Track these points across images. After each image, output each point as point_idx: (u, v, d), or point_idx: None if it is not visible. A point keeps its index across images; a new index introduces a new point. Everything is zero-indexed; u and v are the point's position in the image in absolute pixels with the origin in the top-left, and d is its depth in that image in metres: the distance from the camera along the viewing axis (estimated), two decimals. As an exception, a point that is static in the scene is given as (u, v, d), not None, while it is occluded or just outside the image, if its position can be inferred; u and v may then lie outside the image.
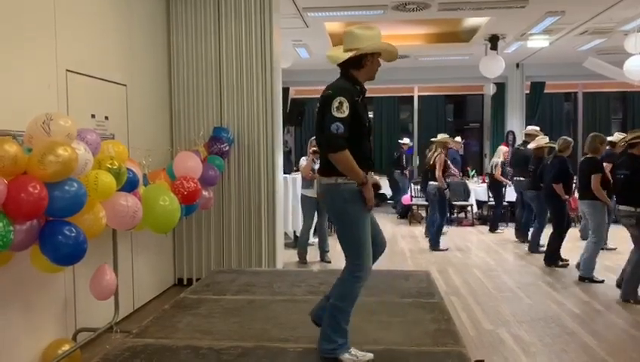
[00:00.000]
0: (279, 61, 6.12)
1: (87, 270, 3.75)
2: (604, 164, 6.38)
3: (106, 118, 4.49)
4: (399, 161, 11.81)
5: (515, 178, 8.82)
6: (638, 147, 5.30)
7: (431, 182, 7.99)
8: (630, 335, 4.40)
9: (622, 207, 5.31)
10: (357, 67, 2.95)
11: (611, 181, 5.93)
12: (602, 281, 5.93)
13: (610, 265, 6.55)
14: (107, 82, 4.54)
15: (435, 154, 7.96)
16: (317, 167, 6.93)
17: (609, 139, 7.34)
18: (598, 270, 6.10)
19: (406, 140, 12.09)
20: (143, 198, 3.86)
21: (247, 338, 3.31)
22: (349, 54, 2.90)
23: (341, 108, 2.78)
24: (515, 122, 12.29)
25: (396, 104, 14.07)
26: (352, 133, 2.84)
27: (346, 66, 2.96)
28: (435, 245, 7.93)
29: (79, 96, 4.06)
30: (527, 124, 12.40)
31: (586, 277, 6.01)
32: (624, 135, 7.31)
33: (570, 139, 7.03)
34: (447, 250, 7.89)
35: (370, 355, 2.96)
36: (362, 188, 2.88)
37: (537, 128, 8.92)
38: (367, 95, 3.04)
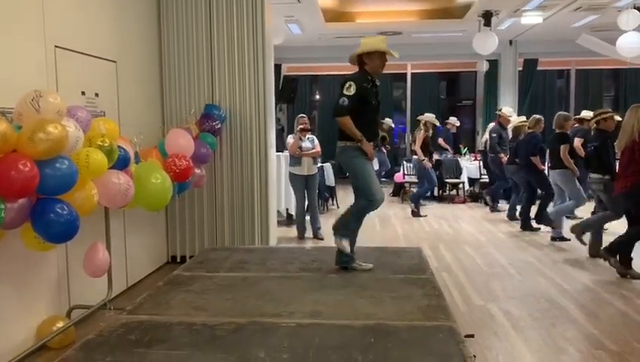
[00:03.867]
0: (271, 38, 6.06)
1: (80, 248, 3.76)
2: (576, 139, 7.32)
3: (97, 95, 4.45)
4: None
5: (490, 155, 9.23)
6: (603, 123, 5.97)
7: (414, 156, 8.97)
8: (619, 310, 4.48)
9: (592, 175, 5.92)
10: (363, 64, 4.14)
11: (582, 154, 6.97)
12: (569, 240, 6.64)
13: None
14: (97, 58, 4.49)
15: (417, 131, 8.98)
16: (304, 144, 7.10)
17: (580, 116, 8.32)
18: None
19: (387, 120, 12.16)
20: (134, 176, 3.85)
21: (240, 314, 3.33)
22: (358, 53, 4.13)
23: (349, 89, 3.96)
24: (508, 99, 12.28)
25: (389, 81, 14.02)
26: (358, 108, 3.98)
27: (359, 64, 4.16)
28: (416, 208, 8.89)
29: (69, 73, 4.02)
30: (520, 101, 12.47)
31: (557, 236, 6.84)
32: (590, 113, 7.93)
33: (538, 116, 7.66)
34: (425, 216, 8.80)
35: (370, 265, 4.25)
36: (361, 145, 4.02)
37: (511, 109, 9.53)
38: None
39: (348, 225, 4.21)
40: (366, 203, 4.13)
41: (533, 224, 7.54)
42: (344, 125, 4.00)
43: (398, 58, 4.23)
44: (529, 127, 7.58)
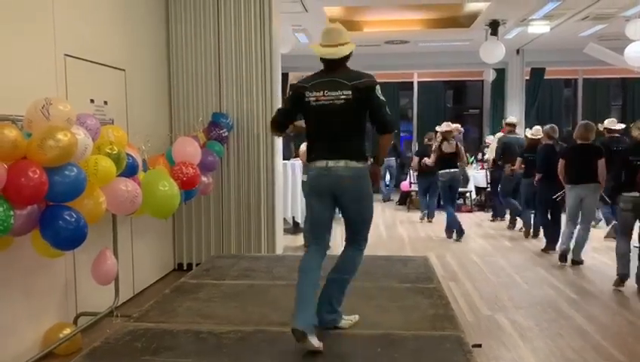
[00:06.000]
0: (278, 46, 6.09)
1: (88, 254, 3.77)
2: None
3: (105, 102, 4.48)
4: (398, 148, 11.77)
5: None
6: None
7: (453, 170, 7.76)
8: (626, 319, 4.44)
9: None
10: (348, 59, 3.19)
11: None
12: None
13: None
14: (106, 67, 4.52)
15: (453, 142, 7.87)
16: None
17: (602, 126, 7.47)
18: (587, 251, 6.32)
19: None
20: (142, 183, 3.87)
21: (246, 323, 3.33)
22: (350, 47, 3.16)
23: (382, 93, 3.09)
24: (515, 108, 12.26)
25: (395, 90, 14.03)
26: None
27: (343, 59, 3.16)
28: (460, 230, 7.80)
29: (78, 81, 4.05)
30: (527, 110, 12.44)
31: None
32: (614, 120, 7.58)
33: (554, 126, 7.24)
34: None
35: (357, 316, 3.32)
36: (379, 168, 3.33)
37: (515, 120, 9.30)
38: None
39: (343, 297, 3.24)
40: (361, 252, 3.27)
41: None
42: (389, 143, 3.23)
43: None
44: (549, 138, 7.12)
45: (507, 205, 8.69)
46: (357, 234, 3.23)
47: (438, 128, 8.42)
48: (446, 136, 7.92)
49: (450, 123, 8.30)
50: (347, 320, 3.27)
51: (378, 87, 3.07)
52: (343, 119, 3.08)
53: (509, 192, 8.39)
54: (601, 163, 5.96)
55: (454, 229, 7.76)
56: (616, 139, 7.21)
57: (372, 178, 3.17)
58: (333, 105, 3.07)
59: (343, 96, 3.05)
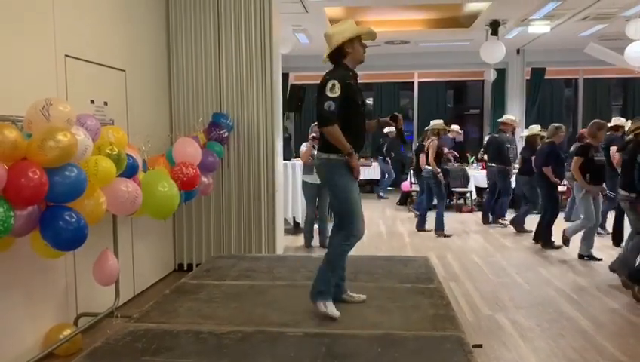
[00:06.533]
0: (279, 47, 6.09)
1: (88, 255, 3.77)
2: (611, 148, 7.02)
3: (105, 103, 4.48)
4: (382, 149, 11.90)
5: (488, 164, 9.05)
6: None
7: (426, 167, 8.23)
8: (627, 320, 4.44)
9: (621, 192, 5.38)
10: (343, 57, 3.45)
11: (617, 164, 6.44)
12: (600, 259, 6.28)
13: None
14: (106, 67, 4.52)
15: (428, 141, 8.26)
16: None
17: (610, 124, 7.65)
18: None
19: (391, 129, 11.77)
20: (142, 184, 3.86)
21: (247, 323, 3.33)
22: (327, 51, 3.48)
23: (333, 90, 3.27)
24: (516, 108, 12.26)
25: (396, 90, 14.03)
26: (345, 111, 3.32)
27: (335, 60, 3.49)
28: (440, 228, 8.01)
29: (78, 82, 4.05)
30: (528, 110, 12.44)
31: (585, 254, 6.39)
32: (622, 120, 7.92)
33: (558, 125, 7.26)
34: (451, 236, 7.94)
35: (337, 313, 3.40)
36: (348, 159, 3.34)
37: (512, 117, 9.22)
38: (367, 81, 3.75)
39: (327, 280, 3.46)
40: (344, 239, 3.45)
41: (555, 242, 6.98)
42: (331, 134, 3.29)
43: (376, 38, 3.58)
44: (548, 137, 7.19)
45: (485, 202, 9.24)
46: (336, 221, 3.57)
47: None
48: (429, 134, 8.35)
49: (439, 121, 8.59)
50: (324, 306, 3.42)
51: (330, 83, 3.28)
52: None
53: (490, 189, 8.98)
54: (574, 161, 6.28)
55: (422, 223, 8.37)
56: (613, 138, 7.45)
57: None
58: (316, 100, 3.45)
59: (316, 96, 3.43)
